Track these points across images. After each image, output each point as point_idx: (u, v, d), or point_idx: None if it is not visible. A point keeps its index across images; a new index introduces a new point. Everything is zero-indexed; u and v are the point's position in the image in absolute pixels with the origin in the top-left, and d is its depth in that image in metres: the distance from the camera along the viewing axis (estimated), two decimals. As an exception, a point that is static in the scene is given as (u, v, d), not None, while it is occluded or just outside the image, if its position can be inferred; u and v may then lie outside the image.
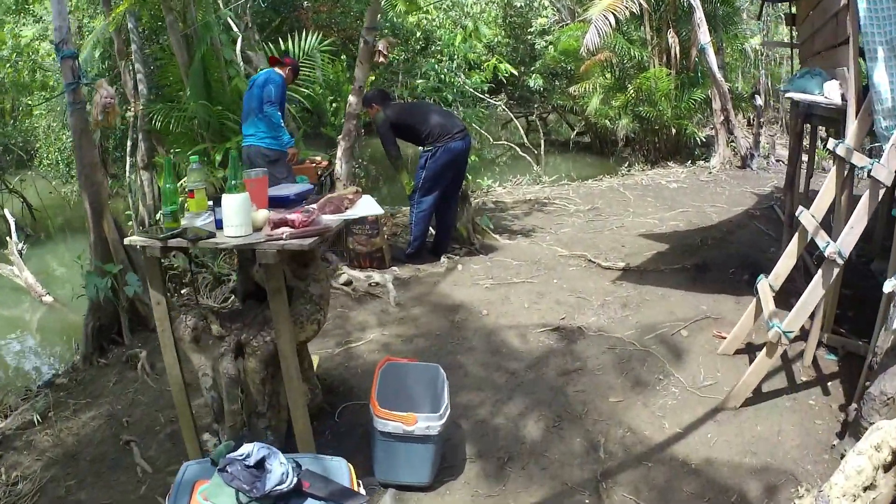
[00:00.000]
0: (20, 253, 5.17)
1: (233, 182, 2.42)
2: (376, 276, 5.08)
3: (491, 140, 10.45)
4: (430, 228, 5.66)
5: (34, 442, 3.41)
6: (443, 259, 5.50)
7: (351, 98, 5.79)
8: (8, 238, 5.04)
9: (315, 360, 3.75)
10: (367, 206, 2.87)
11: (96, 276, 4.11)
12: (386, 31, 9.72)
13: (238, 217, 2.41)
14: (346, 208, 2.80)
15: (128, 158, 6.41)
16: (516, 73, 8.16)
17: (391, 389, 3.08)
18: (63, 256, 8.34)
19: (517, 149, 9.40)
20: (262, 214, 2.52)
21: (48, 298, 6.20)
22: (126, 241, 2.53)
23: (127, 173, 6.39)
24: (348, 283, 5.06)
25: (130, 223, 6.52)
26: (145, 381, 3.88)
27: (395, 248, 5.72)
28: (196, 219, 2.71)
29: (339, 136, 5.85)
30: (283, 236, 2.33)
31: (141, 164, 6.46)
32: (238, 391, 2.71)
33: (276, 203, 2.91)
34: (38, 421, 3.55)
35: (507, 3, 11.82)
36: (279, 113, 5.03)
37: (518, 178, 9.13)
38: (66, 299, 6.19)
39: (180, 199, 2.61)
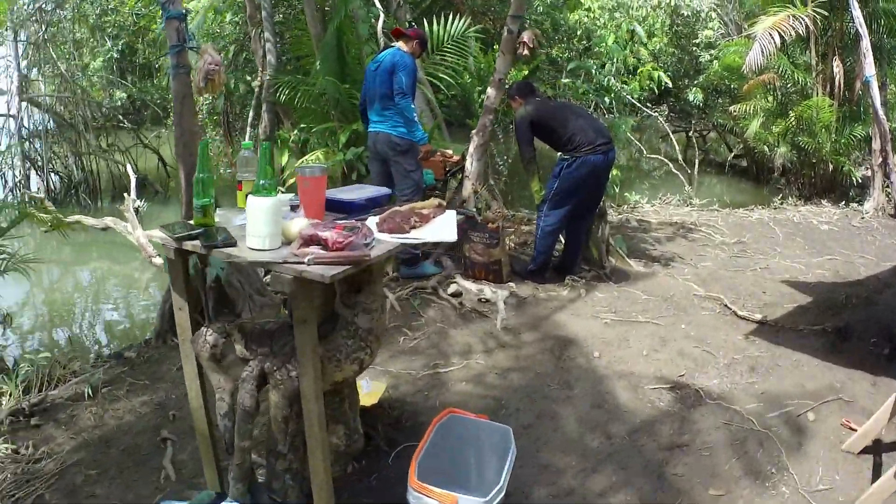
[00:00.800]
0: (137, 210, 5.21)
1: (261, 182, 1.95)
2: (488, 292, 4.55)
3: (645, 152, 9.55)
4: (559, 244, 5.08)
5: (76, 418, 3.22)
6: (567, 281, 4.89)
7: (490, 90, 5.29)
8: (126, 195, 5.09)
9: (380, 388, 3.26)
10: (441, 230, 2.29)
11: (180, 251, 3.90)
12: (546, 26, 9.09)
13: (263, 226, 1.93)
14: (413, 228, 2.24)
15: (248, 129, 6.30)
16: (669, 84, 7.32)
17: (446, 449, 2.57)
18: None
19: (670, 165, 8.44)
20: (298, 225, 2.03)
21: (158, 261, 6.29)
22: (148, 233, 2.14)
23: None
24: (457, 294, 4.58)
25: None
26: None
27: (517, 262, 5.15)
28: (234, 217, 2.28)
29: (473, 131, 5.37)
30: (306, 260, 1.82)
31: (263, 137, 6.33)
32: (251, 426, 2.26)
33: (335, 208, 2.43)
34: (88, 395, 3.37)
35: (673, 10, 10.80)
36: (413, 105, 4.47)
37: (668, 197, 8.24)
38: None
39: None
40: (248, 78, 6.44)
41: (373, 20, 6.03)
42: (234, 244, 1.98)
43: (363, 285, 2.27)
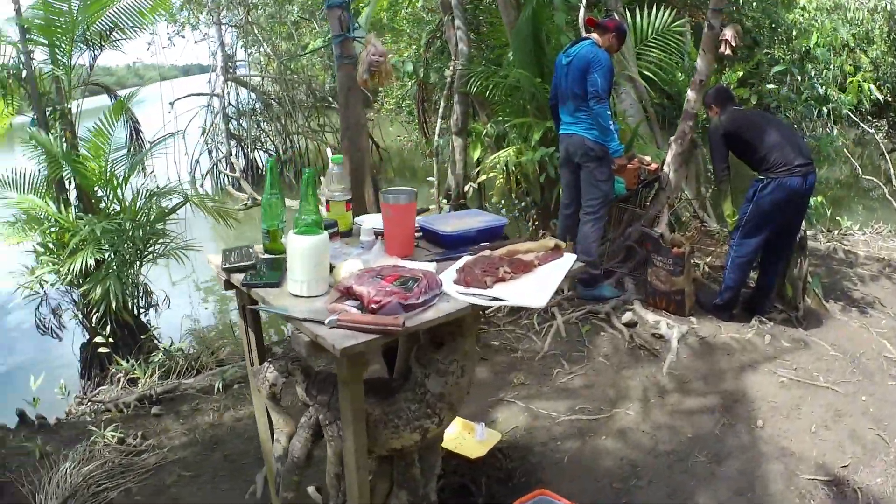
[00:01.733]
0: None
1: (304, 216, 1.62)
2: (664, 327, 3.93)
3: (860, 172, 7.80)
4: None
5: (197, 412, 3.24)
6: (753, 322, 4.05)
7: (689, 93, 4.57)
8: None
9: (494, 439, 2.83)
10: (532, 290, 1.78)
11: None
12: (762, 25, 7.76)
13: (299, 270, 1.61)
14: (500, 280, 1.77)
15: (438, 121, 6.09)
16: (879, 97, 5.74)
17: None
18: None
19: (884, 189, 6.79)
20: (347, 269, 1.68)
21: None
22: (209, 257, 1.95)
23: (436, 136, 6.11)
24: (631, 324, 4.02)
25: (432, 191, 6.31)
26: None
27: (704, 292, 4.42)
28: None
29: (672, 138, 4.66)
30: (326, 321, 1.46)
31: (454, 129, 6.09)
32: (297, 478, 2.00)
33: (432, 239, 2.05)
34: (218, 389, 3.43)
35: (889, 15, 8.54)
36: (609, 112, 3.94)
37: (880, 226, 6.63)
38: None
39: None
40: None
41: (569, 9, 5.46)
42: (276, 285, 1.70)
43: (446, 340, 1.87)
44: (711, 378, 3.51)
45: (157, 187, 4.84)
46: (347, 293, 1.54)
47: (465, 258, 1.88)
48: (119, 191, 4.36)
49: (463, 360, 1.89)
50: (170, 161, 9.72)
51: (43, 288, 4.18)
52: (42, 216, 3.99)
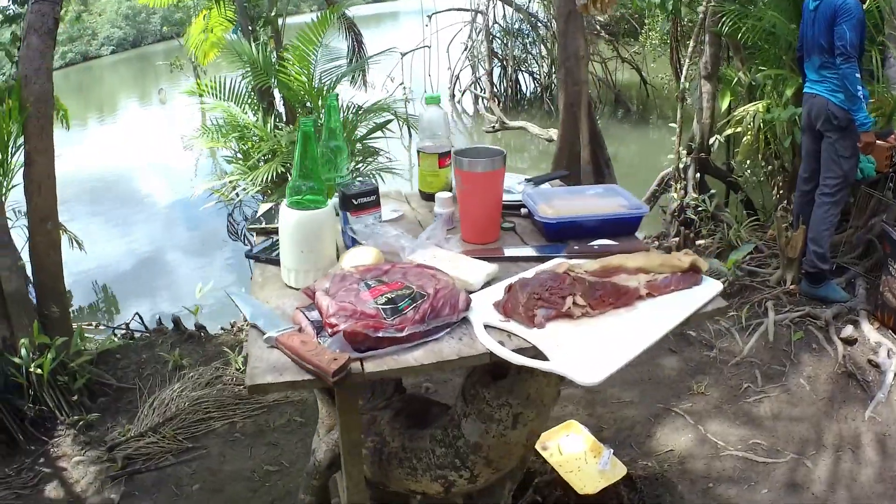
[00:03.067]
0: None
1: (298, 182, 1.21)
2: (882, 354, 2.95)
3: None
4: None
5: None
6: None
7: None
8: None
9: (618, 474, 2.26)
10: (616, 344, 1.16)
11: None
12: None
13: (290, 255, 1.23)
14: (571, 315, 1.18)
15: (685, 62, 5.07)
16: None
17: None
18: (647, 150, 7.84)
19: None
20: (351, 260, 1.24)
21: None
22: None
23: (683, 79, 5.11)
24: (850, 341, 3.12)
25: (673, 139, 5.40)
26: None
27: None
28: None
29: None
30: (265, 338, 1.05)
31: (703, 73, 5.06)
32: (315, 483, 1.69)
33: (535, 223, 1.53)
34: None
35: None
36: (858, 74, 3.02)
37: None
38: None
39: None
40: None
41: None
42: (277, 262, 1.33)
43: (509, 370, 1.36)
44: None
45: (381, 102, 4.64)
46: (317, 303, 1.11)
47: (543, 267, 1.31)
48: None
49: (521, 406, 1.36)
50: (424, 75, 9.85)
51: (237, 193, 4.32)
52: (242, 123, 4.10)
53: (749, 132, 4.93)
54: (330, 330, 1.03)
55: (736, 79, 5.05)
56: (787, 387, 2.85)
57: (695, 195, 4.80)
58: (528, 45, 10.61)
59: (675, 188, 4.92)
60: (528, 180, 1.78)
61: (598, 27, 9.61)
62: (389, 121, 4.51)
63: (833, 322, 3.22)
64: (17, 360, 2.54)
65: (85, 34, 22.81)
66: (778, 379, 2.90)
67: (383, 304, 1.07)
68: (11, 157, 2.87)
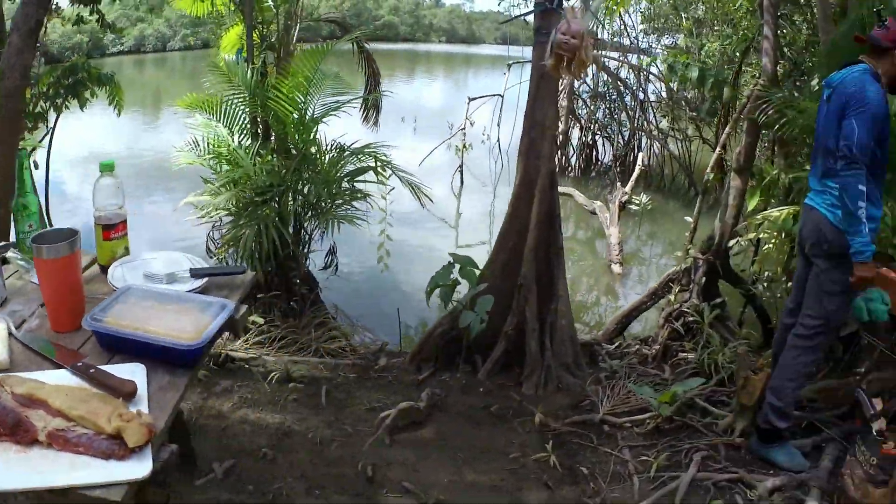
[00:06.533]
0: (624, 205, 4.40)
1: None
2: None
3: None
4: None
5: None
6: None
7: None
8: (619, 184, 4.33)
9: None
10: None
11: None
12: None
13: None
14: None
15: (717, 150, 4.50)
16: None
17: None
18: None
19: None
20: None
21: (617, 268, 5.48)
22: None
23: (708, 169, 4.54)
24: None
25: (686, 234, 4.83)
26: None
27: None
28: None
29: None
30: None
31: (734, 165, 4.39)
32: None
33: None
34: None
35: None
36: (862, 186, 2.34)
37: None
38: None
39: None
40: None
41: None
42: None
43: None
44: None
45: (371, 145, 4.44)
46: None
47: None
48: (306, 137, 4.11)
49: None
50: (492, 124, 9.53)
51: (219, 212, 4.20)
52: (216, 146, 4.01)
53: (774, 239, 4.30)
54: None
55: (769, 177, 4.44)
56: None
57: (696, 301, 4.21)
58: (614, 111, 10.07)
59: (675, 290, 4.34)
60: (192, 271, 1.49)
61: (685, 103, 8.99)
62: (367, 169, 4.29)
63: (767, 498, 2.58)
64: None
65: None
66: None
67: None
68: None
